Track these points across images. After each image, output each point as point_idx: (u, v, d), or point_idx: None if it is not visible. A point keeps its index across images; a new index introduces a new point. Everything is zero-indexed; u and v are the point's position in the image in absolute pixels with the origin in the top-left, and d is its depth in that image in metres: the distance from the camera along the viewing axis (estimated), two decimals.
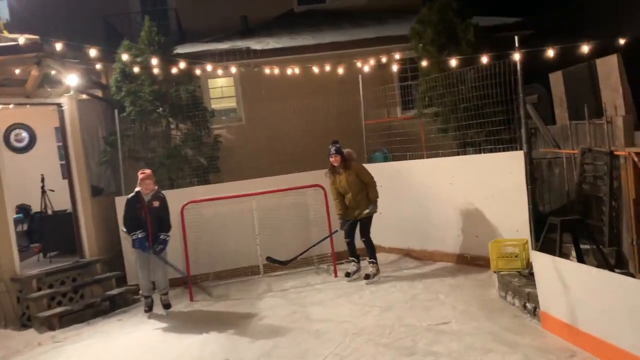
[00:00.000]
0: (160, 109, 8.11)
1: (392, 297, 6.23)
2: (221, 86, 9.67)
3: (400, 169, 7.96)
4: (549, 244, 5.70)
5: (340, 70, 8.14)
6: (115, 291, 7.32)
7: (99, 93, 8.57)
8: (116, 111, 7.89)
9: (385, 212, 8.09)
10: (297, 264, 7.95)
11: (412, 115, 8.57)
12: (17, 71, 6.90)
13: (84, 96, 8.01)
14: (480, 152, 7.24)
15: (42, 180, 8.04)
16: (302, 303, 6.38)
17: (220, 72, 8.57)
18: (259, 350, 5.06)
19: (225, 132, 9.20)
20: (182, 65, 7.48)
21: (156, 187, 6.72)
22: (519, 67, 5.93)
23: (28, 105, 7.62)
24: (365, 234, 6.84)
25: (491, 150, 7.06)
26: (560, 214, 6.21)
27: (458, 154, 7.55)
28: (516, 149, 6.54)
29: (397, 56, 8.15)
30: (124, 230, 6.50)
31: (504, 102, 6.84)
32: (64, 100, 7.54)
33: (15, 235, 8.90)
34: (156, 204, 6.56)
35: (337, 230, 7.09)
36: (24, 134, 10.46)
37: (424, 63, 7.69)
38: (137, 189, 6.60)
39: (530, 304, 5.02)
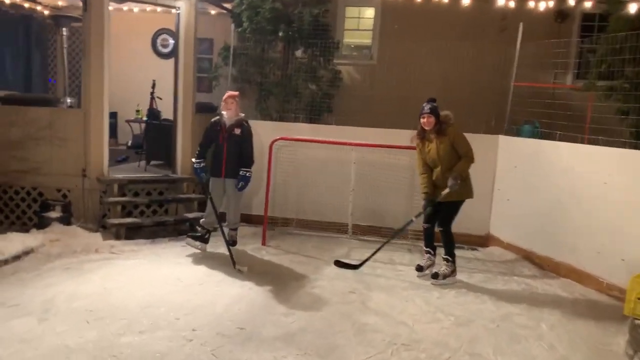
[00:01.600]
0: (281, 32, 7.27)
1: (479, 308, 4.86)
2: (359, 16, 8.51)
3: (544, 149, 6.22)
4: None
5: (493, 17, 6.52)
6: (192, 215, 6.93)
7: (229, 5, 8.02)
8: (232, 25, 7.24)
9: (514, 199, 6.56)
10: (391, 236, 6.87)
11: (580, 86, 6.61)
12: None
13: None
14: None
15: (153, 86, 7.81)
16: (369, 284, 5.31)
17: None
18: (284, 329, 4.18)
19: (351, 70, 8.13)
20: None
21: (242, 115, 6.01)
22: None
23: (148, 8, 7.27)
24: (446, 222, 5.39)
25: None
26: None
27: (628, 145, 5.58)
28: None
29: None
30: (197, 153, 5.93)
31: None
32: (180, 4, 7.06)
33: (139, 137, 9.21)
34: (237, 131, 5.87)
35: (419, 214, 5.57)
36: (170, 40, 10.48)
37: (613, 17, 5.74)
38: (222, 112, 5.96)
39: None
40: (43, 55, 9.94)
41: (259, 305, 4.65)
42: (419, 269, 5.60)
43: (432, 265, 5.61)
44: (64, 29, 9.74)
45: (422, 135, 5.44)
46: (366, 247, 6.42)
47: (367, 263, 5.77)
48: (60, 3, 9.41)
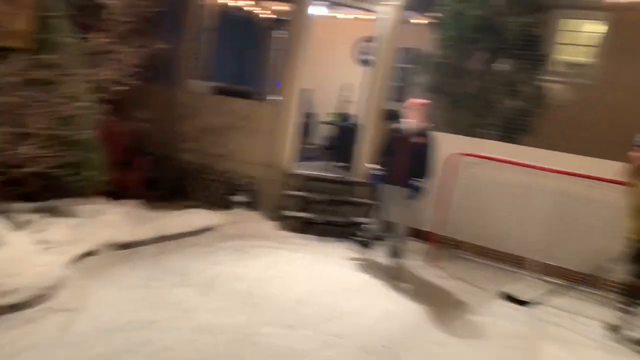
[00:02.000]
0: (485, 41, 6.76)
1: None
2: (577, 30, 7.54)
3: None
4: None
5: None
6: (361, 219, 6.78)
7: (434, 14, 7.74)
8: (433, 34, 6.95)
9: None
10: (583, 280, 5.89)
11: None
12: None
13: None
14: None
15: (345, 90, 7.90)
16: (542, 331, 4.58)
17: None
18: (430, 359, 3.79)
19: (559, 88, 7.23)
20: None
21: (427, 124, 5.69)
22: None
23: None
24: None
25: None
26: None
27: None
28: None
29: None
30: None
31: None
32: (385, 10, 6.99)
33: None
34: (418, 140, 5.55)
35: (616, 262, 4.63)
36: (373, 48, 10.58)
37: None
38: (406, 119, 5.72)
39: None
40: (258, 55, 10.83)
41: (410, 326, 4.32)
42: (612, 328, 4.65)
43: (629, 326, 4.61)
44: (277, 31, 10.52)
45: (637, 171, 4.50)
46: (546, 289, 5.59)
47: (544, 307, 5.01)
48: (279, 8, 10.16)
